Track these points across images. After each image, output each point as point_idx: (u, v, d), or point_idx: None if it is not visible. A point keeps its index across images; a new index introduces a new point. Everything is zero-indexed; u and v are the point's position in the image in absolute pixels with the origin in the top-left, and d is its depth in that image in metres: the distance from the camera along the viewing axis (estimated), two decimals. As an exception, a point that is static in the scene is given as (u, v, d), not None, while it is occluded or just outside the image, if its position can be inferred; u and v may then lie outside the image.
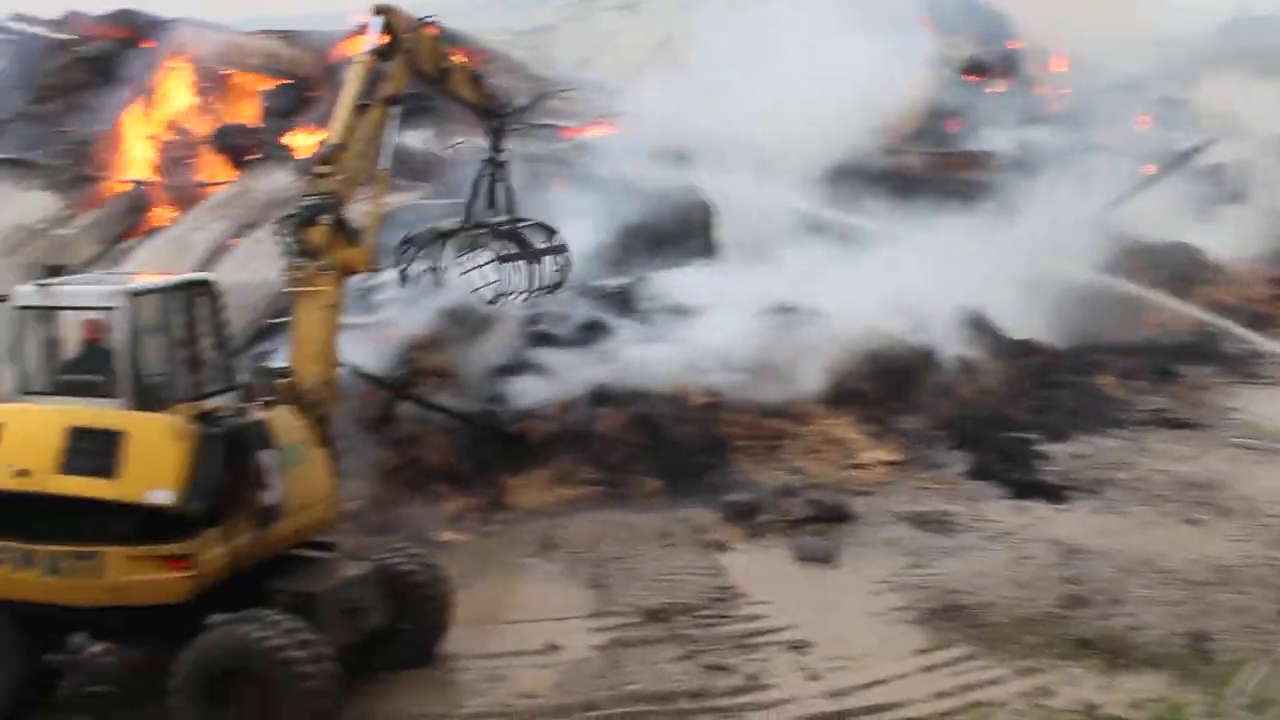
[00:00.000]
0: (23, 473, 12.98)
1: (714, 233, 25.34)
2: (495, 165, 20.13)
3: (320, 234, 15.06)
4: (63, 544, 12.95)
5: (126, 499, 12.76)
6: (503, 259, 19.31)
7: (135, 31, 35.16)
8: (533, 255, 19.83)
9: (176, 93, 33.46)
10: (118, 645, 14.05)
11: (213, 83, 34.22)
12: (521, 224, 19.31)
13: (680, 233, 25.24)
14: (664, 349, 21.91)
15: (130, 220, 29.18)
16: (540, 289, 19.91)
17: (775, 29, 27.29)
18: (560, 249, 20.10)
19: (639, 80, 33.11)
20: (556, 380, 21.57)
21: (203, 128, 32.66)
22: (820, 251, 24.18)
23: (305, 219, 15.16)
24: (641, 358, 21.76)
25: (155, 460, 12.80)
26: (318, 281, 15.00)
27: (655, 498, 20.17)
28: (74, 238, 28.24)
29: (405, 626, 14.81)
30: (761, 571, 17.36)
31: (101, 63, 34.53)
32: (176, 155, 31.56)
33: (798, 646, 14.75)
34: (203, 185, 30.50)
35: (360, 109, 16.32)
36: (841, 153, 25.67)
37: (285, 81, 33.67)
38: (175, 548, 12.84)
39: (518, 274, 19.58)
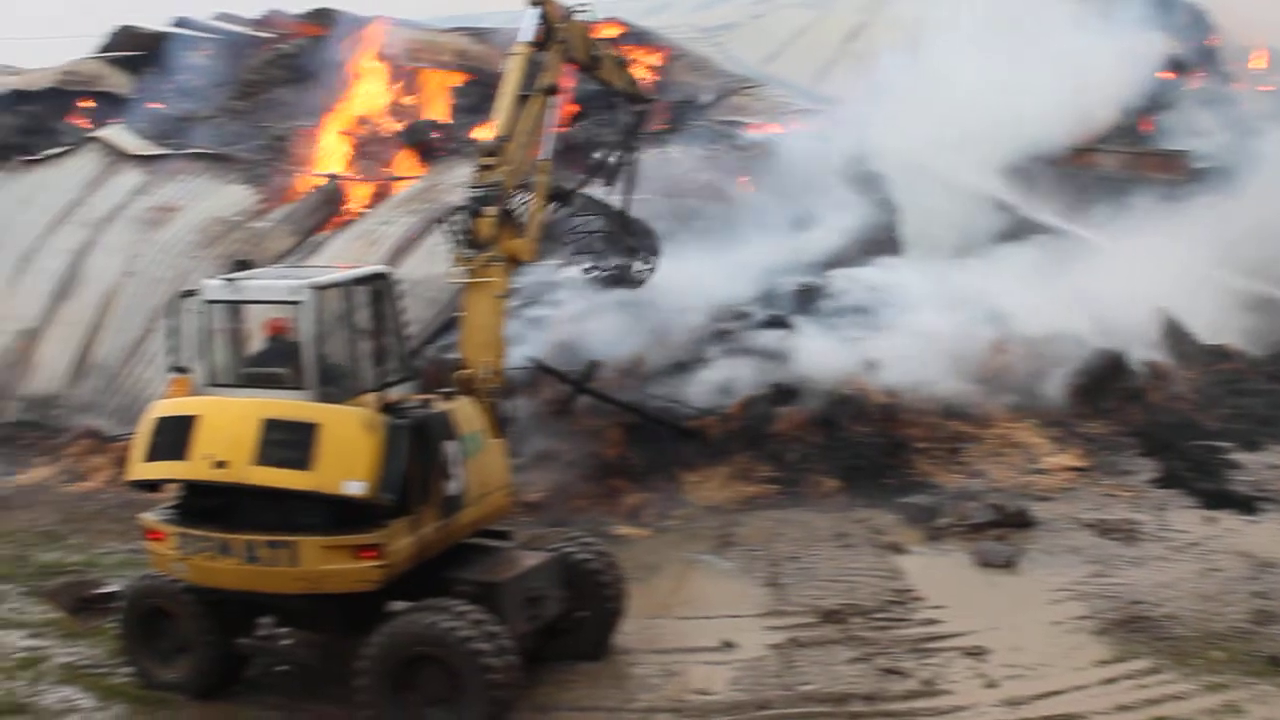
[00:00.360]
0: (221, 464, 13.34)
1: (899, 231, 25.03)
2: (627, 149, 20.37)
3: (487, 225, 15.30)
4: (259, 533, 13.32)
5: (322, 490, 13.05)
6: (591, 234, 19.58)
7: (332, 29, 35.99)
8: (625, 248, 20.02)
9: (369, 89, 34.16)
10: (303, 630, 14.47)
11: (404, 79, 34.89)
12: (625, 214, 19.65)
13: (864, 230, 24.99)
14: (845, 348, 21.72)
15: (323, 214, 29.80)
16: (613, 275, 20.09)
17: (963, 24, 26.86)
18: (653, 251, 20.26)
19: (824, 77, 32.89)
20: (736, 377, 21.52)
21: (393, 123, 33.30)
22: (1009, 251, 23.70)
23: (473, 210, 15.39)
24: (822, 356, 21.60)
25: (348, 452, 13.05)
26: (486, 272, 15.24)
27: (833, 497, 20.09)
28: (269, 230, 28.94)
29: (581, 617, 14.96)
30: (939, 575, 17.17)
31: (299, 60, 35.46)
32: (368, 150, 32.19)
33: (975, 653, 14.54)
34: (392, 179, 31.06)
35: (521, 100, 16.56)
36: (1034, 150, 25.10)
37: (473, 78, 34.11)
38: (366, 537, 13.13)
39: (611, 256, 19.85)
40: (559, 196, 19.17)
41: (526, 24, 17.64)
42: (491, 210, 15.60)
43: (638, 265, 20.78)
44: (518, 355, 20.65)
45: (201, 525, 13.66)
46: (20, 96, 38.68)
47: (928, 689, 13.77)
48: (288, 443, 13.17)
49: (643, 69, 32.91)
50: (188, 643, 14.49)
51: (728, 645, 15.18)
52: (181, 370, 14.42)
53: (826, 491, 20.18)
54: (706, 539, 19.01)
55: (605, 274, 20.73)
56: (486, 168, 15.98)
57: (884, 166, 25.80)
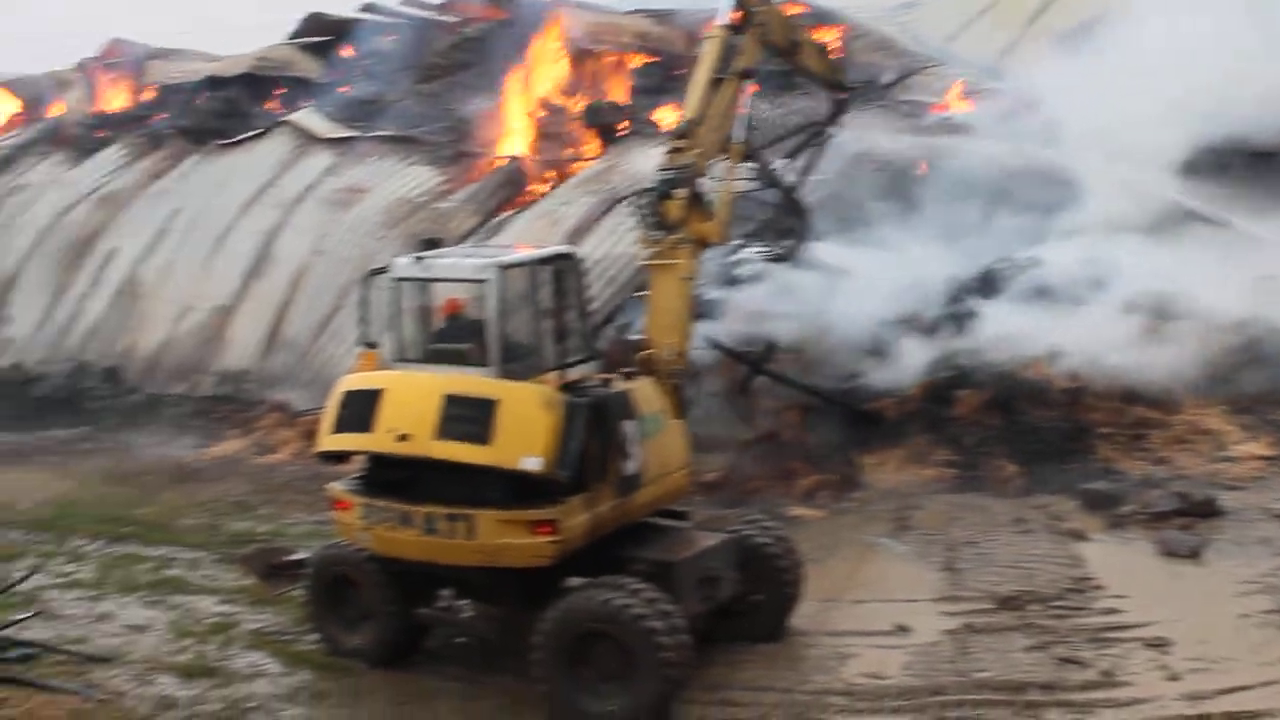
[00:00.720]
0: (403, 437, 13.63)
1: (1081, 213, 24.42)
2: (822, 132, 20.22)
3: (676, 207, 15.32)
4: (438, 506, 13.56)
5: (499, 465, 13.24)
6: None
7: (515, 12, 36.36)
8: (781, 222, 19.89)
9: (551, 71, 34.47)
10: (481, 603, 14.75)
11: (586, 61, 35.12)
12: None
13: (1046, 213, 24.44)
14: (1027, 331, 21.23)
15: (505, 194, 30.19)
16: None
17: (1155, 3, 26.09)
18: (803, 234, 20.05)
19: (1009, 55, 32.21)
20: (916, 360, 21.26)
21: (575, 105, 33.55)
22: (1194, 234, 22.95)
23: (662, 192, 15.43)
24: (1003, 339, 21.17)
25: (527, 428, 13.22)
26: (673, 254, 15.25)
27: (1012, 482, 19.77)
28: (452, 210, 29.43)
29: (756, 599, 14.93)
30: (1121, 564, 16.73)
31: (482, 43, 35.91)
32: (549, 131, 32.49)
33: (1156, 644, 14.13)
34: (573, 160, 31.31)
35: (715, 83, 16.53)
36: (1220, 133, 24.26)
37: (654, 60, 34.18)
38: (542, 513, 13.28)
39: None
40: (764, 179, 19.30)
41: (723, 6, 17.61)
42: (681, 192, 15.64)
43: (786, 245, 20.67)
44: (697, 336, 20.75)
45: (384, 496, 13.99)
46: (215, 83, 39.87)
47: (1107, 680, 13.44)
48: (468, 418, 13.37)
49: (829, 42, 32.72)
50: (370, 611, 14.84)
51: (902, 630, 15.03)
52: (370, 345, 14.77)
53: (1006, 476, 19.86)
54: (883, 522, 18.88)
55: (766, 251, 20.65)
56: (677, 150, 16.00)
57: (1070, 146, 25.20)
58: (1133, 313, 21.10)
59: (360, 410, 14.06)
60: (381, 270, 14.80)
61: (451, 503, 13.52)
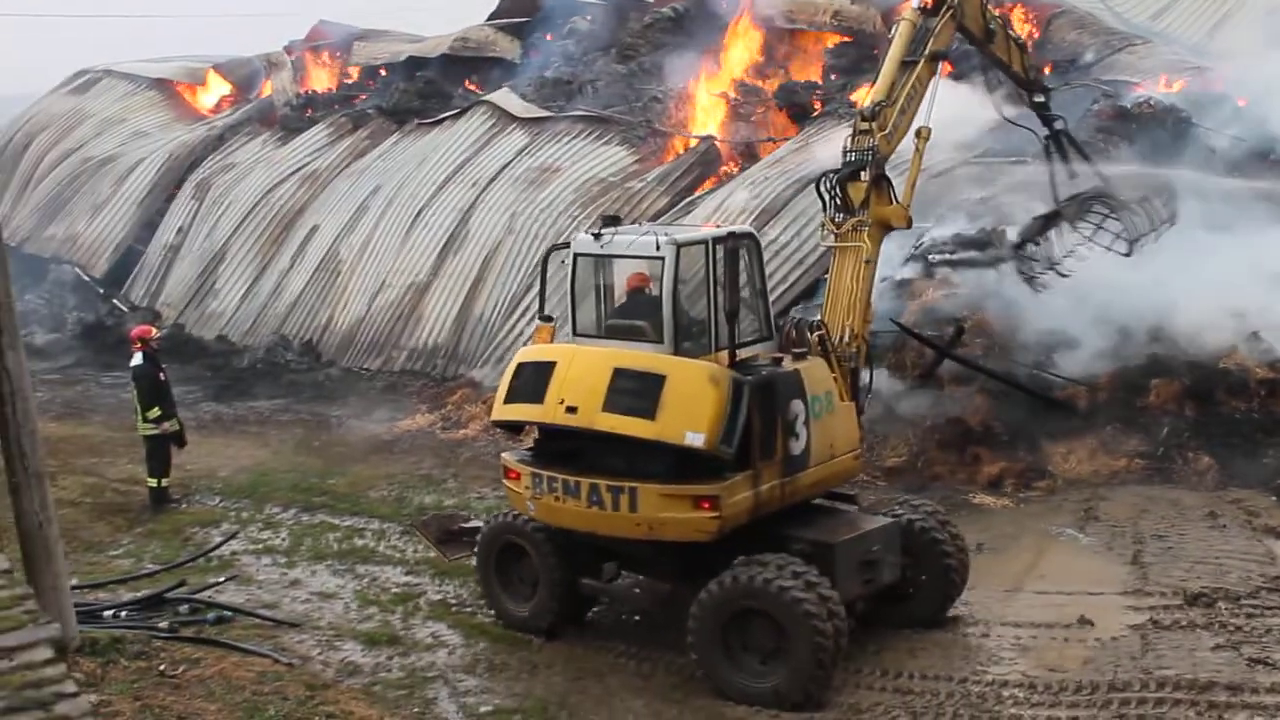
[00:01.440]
0: (571, 409, 13.86)
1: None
2: (1055, 137, 19.83)
3: (860, 189, 15.24)
4: (602, 477, 13.75)
5: (663, 439, 13.33)
6: (1114, 208, 19.15)
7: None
8: (1142, 198, 19.45)
9: (745, 51, 34.40)
10: (644, 575, 14.97)
11: (780, 41, 34.96)
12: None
13: (1256, 195, 23.62)
14: (1225, 318, 20.59)
15: (697, 174, 30.26)
16: (1163, 224, 19.55)
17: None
18: (1162, 186, 19.59)
19: (1217, 32, 31.16)
20: (1109, 347, 20.74)
21: (769, 85, 33.43)
22: None
23: (847, 175, 15.35)
24: (1200, 327, 20.55)
25: (691, 404, 13.28)
26: (855, 236, 15.16)
27: (1205, 475, 19.19)
28: (644, 190, 29.60)
29: (917, 585, 14.81)
30: (1319, 563, 16.13)
31: (677, 23, 35.99)
32: (742, 112, 32.45)
33: (1352, 648, 13.61)
34: (766, 141, 31.22)
35: (905, 65, 16.35)
36: None
37: (848, 39, 33.87)
38: (704, 488, 13.35)
39: (1138, 216, 19.35)
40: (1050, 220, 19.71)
41: None
42: (865, 175, 15.55)
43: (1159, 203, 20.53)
44: (884, 318, 20.61)
45: (551, 467, 14.25)
46: (417, 63, 40.70)
47: (1299, 682, 12.99)
48: (635, 391, 13.53)
49: (1023, 26, 32.05)
50: (536, 579, 15.11)
51: (1085, 623, 14.66)
52: (547, 319, 15.14)
53: (1199, 469, 19.27)
54: (1068, 512, 18.47)
55: (1155, 232, 20.46)
56: (864, 132, 15.90)
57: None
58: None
59: (533, 382, 14.35)
60: (562, 246, 15.03)
61: (615, 475, 13.68)
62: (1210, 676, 13.11)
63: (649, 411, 13.38)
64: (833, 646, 12.90)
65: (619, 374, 13.69)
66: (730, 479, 13.38)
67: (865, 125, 15.92)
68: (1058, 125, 20.15)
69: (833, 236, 15.52)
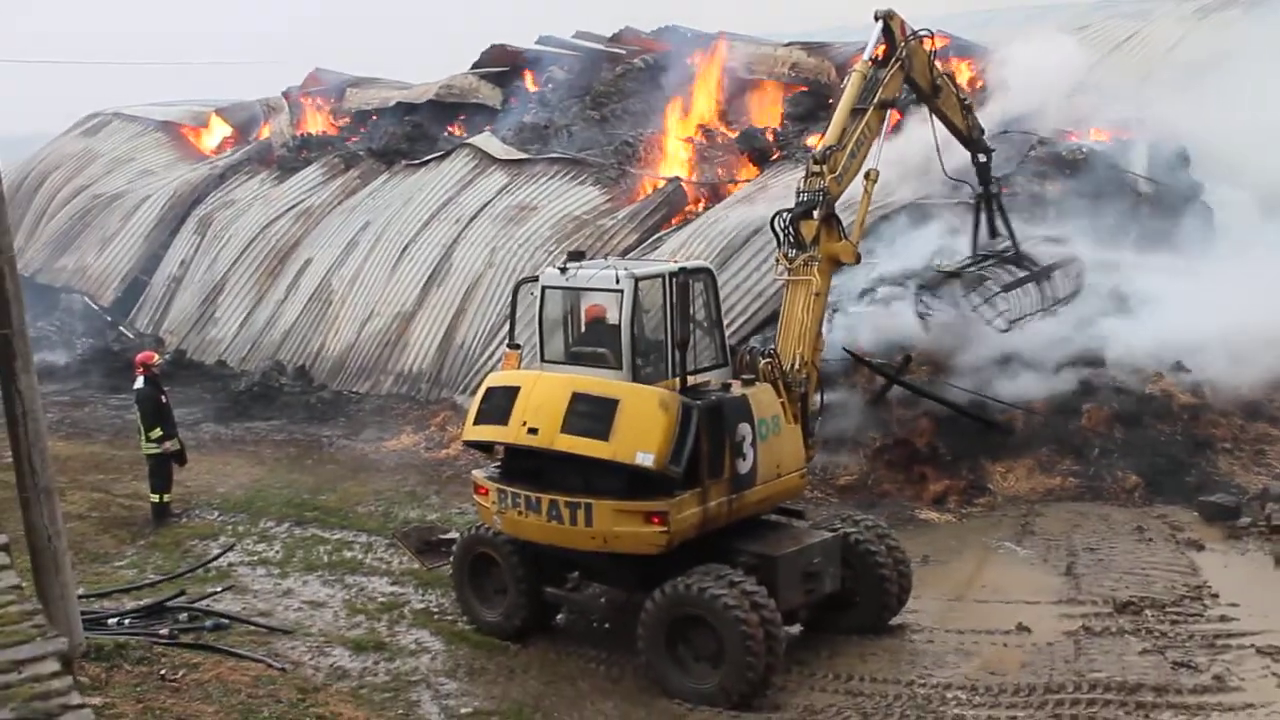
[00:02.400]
0: (533, 430, 14.04)
1: (1212, 236, 23.76)
2: (987, 197, 19.97)
3: (811, 227, 15.35)
4: (561, 494, 13.88)
5: (616, 458, 13.46)
6: (1008, 286, 19.27)
7: (677, 45, 36.50)
8: (1042, 274, 19.56)
9: (709, 100, 34.53)
10: (603, 585, 15.10)
11: (742, 90, 35.09)
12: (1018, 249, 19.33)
13: (1178, 235, 23.82)
14: (1153, 348, 20.76)
15: (664, 213, 30.28)
16: (1057, 302, 19.66)
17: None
18: (1069, 261, 19.69)
19: (1145, 85, 31.41)
20: (1043, 373, 20.84)
21: (731, 131, 33.54)
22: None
23: (800, 213, 15.47)
24: (1130, 355, 20.72)
25: (643, 426, 13.42)
26: (807, 271, 15.27)
27: (1133, 493, 19.30)
28: (616, 227, 29.61)
29: (858, 595, 14.88)
30: (1237, 574, 16.22)
31: (647, 73, 36.11)
32: (707, 155, 32.54)
33: (1269, 652, 13.63)
34: (729, 182, 31.30)
35: (856, 112, 16.49)
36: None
37: (806, 89, 34.03)
38: (655, 505, 13.48)
39: (1028, 296, 19.44)
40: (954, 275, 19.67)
41: (871, 40, 17.56)
42: (817, 214, 15.64)
43: (1070, 273, 20.58)
44: (837, 346, 20.69)
45: (515, 484, 14.42)
46: (405, 108, 40.69)
47: (1219, 685, 13.01)
48: (591, 414, 13.69)
49: (967, 78, 32.24)
50: (505, 587, 15.19)
51: (1022, 629, 14.74)
52: (515, 347, 15.33)
53: (1127, 487, 19.37)
54: (1007, 527, 18.56)
55: (1054, 307, 20.53)
56: (815, 174, 16.00)
57: (1200, 170, 24.60)
58: (1255, 329, 20.46)
59: (499, 405, 14.53)
60: (531, 279, 15.10)
61: (572, 492, 13.82)
62: (1138, 679, 13.19)
63: (603, 433, 13.53)
64: (764, 649, 12.98)
65: (577, 398, 13.85)
66: (679, 496, 13.49)
67: (817, 168, 16.03)
68: (992, 189, 20.32)
69: (786, 271, 15.61)
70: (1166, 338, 20.88)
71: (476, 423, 14.91)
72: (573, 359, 14.60)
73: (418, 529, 18.74)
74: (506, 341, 15.74)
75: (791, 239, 15.64)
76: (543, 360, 14.81)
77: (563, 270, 14.70)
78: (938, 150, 19.26)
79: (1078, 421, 20.34)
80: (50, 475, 9.70)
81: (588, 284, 14.59)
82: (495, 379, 15.14)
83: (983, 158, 20.10)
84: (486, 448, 15.59)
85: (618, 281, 14.03)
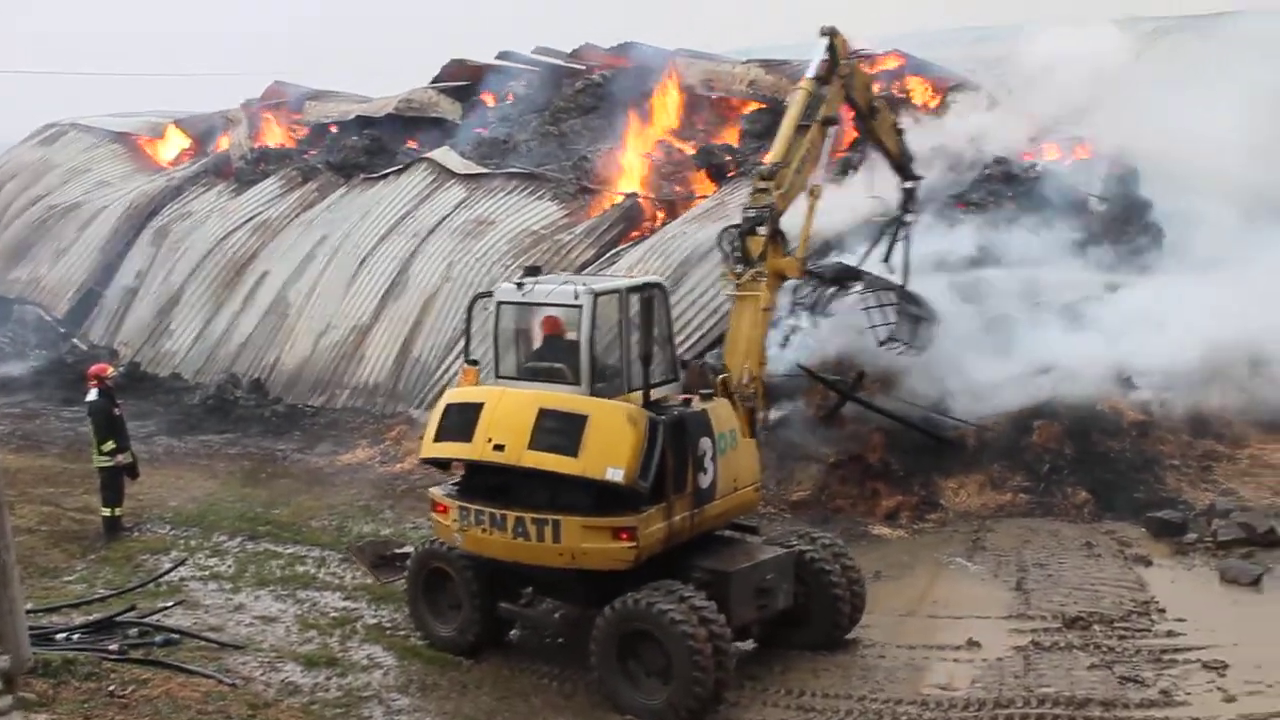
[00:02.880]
0: (499, 447, 13.87)
1: (1160, 251, 23.99)
2: (900, 224, 20.09)
3: (757, 243, 15.43)
4: (528, 511, 13.76)
5: (586, 474, 13.40)
6: (869, 308, 19.35)
7: (636, 61, 36.56)
8: (908, 316, 19.69)
9: (667, 116, 34.60)
10: (558, 600, 15.04)
11: (699, 107, 35.19)
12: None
13: (1127, 250, 24.07)
14: (1102, 364, 20.93)
15: (622, 228, 30.30)
16: (902, 344, 19.75)
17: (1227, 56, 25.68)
18: (928, 318, 19.85)
19: (1096, 106, 31.72)
20: (995, 390, 20.96)
21: (688, 147, 33.60)
22: (1266, 270, 22.33)
23: (746, 229, 15.53)
24: (1079, 372, 20.86)
25: (612, 441, 13.38)
26: (753, 286, 15.33)
27: (1082, 509, 19.45)
28: (573, 242, 29.61)
29: (810, 612, 14.89)
30: (1184, 589, 16.38)
31: (605, 89, 36.15)
32: (664, 171, 32.58)
33: (1215, 667, 13.77)
34: (686, 198, 31.35)
35: (800, 129, 16.58)
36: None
37: (763, 106, 34.16)
38: (623, 520, 13.44)
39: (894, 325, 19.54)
40: (845, 275, 19.32)
41: (814, 58, 17.68)
42: (763, 230, 15.71)
43: (920, 334, 20.59)
44: (789, 362, 20.77)
45: (477, 501, 14.26)
46: (364, 122, 40.59)
47: (1165, 699, 13.13)
48: (559, 430, 13.59)
49: (922, 97, 32.45)
50: (459, 603, 15.10)
51: (973, 644, 14.82)
52: (473, 363, 15.14)
53: (1077, 503, 19.53)
54: (958, 543, 18.66)
55: (901, 344, 20.51)
56: (761, 190, 16.07)
57: (1151, 188, 24.88)
58: (1205, 346, 20.69)
59: (461, 421, 14.35)
60: (486, 294, 15.04)
61: (539, 509, 13.72)
62: (1086, 693, 13.30)
63: (572, 449, 13.44)
64: (712, 664, 12.94)
65: (544, 414, 13.74)
66: (646, 511, 13.47)
67: (763, 184, 16.11)
68: (907, 219, 20.42)
69: (734, 286, 15.65)
70: (1116, 355, 21.07)
71: (437, 439, 14.71)
72: (528, 375, 14.50)
73: (372, 543, 18.59)
74: (463, 357, 15.64)
75: (738, 255, 15.69)
76: (498, 376, 14.72)
77: (519, 286, 14.64)
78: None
79: (1029, 438, 20.45)
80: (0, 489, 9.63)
81: (546, 299, 14.55)
82: (455, 395, 14.97)
83: (909, 184, 20.24)
84: (445, 465, 15.43)
85: (577, 297, 14.01)
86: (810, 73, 17.52)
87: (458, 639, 15.08)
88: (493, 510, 14.05)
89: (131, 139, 45.24)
